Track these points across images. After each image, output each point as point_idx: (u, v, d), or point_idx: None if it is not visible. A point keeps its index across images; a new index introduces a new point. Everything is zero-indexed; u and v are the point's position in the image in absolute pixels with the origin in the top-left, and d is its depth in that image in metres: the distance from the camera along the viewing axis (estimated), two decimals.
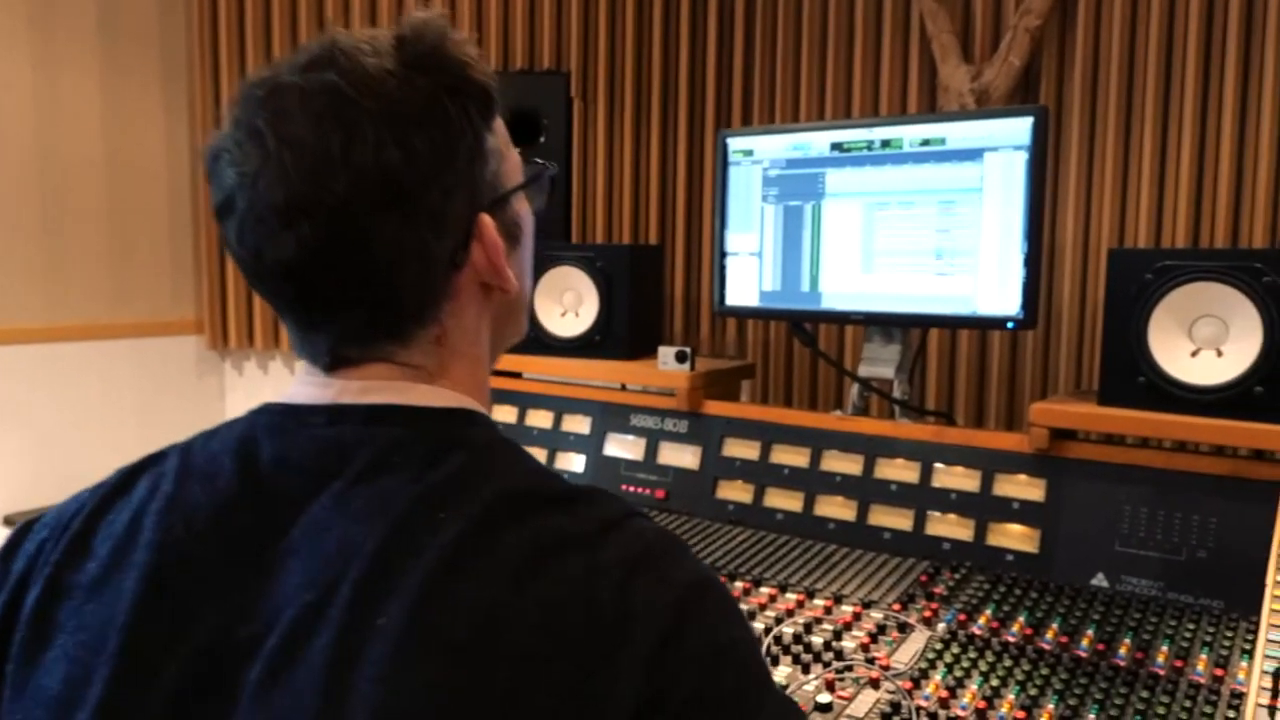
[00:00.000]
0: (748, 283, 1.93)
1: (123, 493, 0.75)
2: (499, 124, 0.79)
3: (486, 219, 0.76)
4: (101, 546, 0.72)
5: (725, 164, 1.93)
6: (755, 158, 1.89)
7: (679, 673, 0.63)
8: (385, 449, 0.70)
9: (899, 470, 1.68)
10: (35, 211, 2.78)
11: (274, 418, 0.75)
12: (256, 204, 0.69)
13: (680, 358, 1.93)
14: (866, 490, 1.69)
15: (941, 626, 1.36)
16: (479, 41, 2.80)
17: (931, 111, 2.37)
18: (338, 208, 0.68)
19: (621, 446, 1.98)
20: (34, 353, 2.79)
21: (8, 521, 2.64)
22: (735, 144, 1.92)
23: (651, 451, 1.94)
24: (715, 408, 1.91)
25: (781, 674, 1.26)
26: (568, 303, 2.13)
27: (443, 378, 0.77)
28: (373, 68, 0.70)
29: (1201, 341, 1.45)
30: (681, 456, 1.91)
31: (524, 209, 0.84)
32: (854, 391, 1.90)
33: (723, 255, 1.95)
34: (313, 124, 0.68)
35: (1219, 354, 1.44)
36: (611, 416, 2.00)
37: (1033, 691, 1.18)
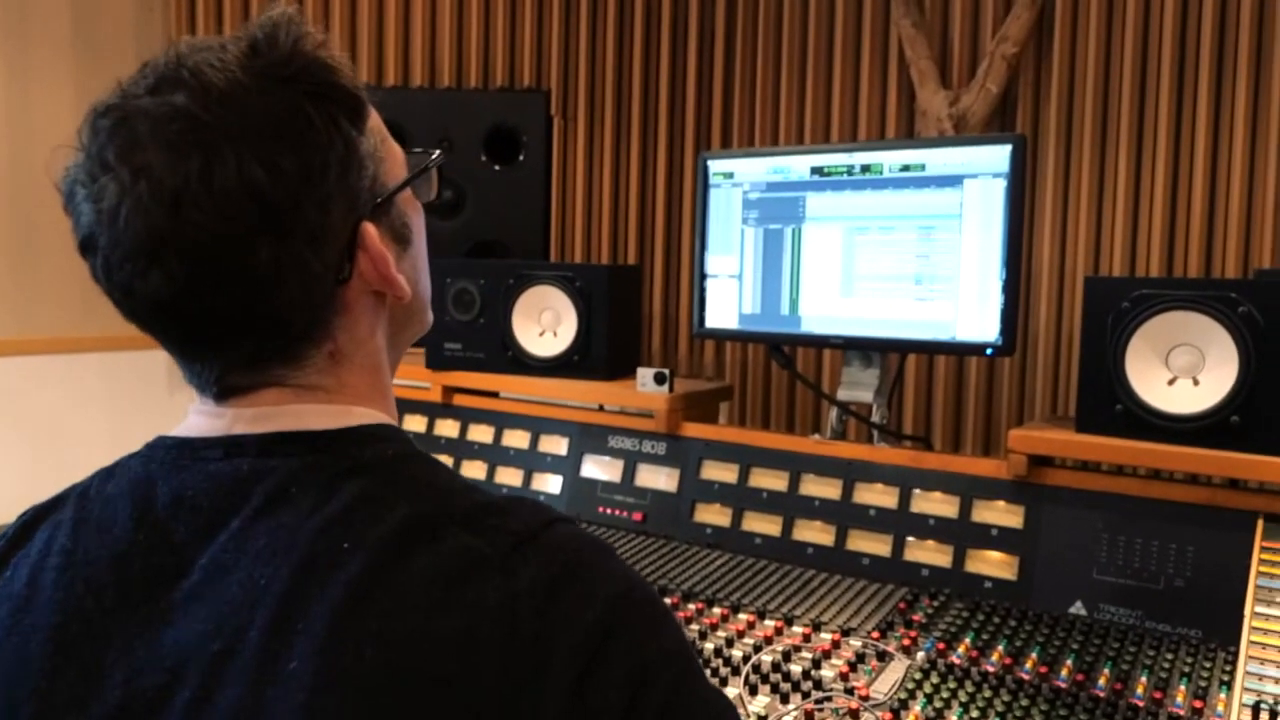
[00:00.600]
0: (727, 305, 1.92)
1: (19, 547, 0.73)
2: (373, 123, 0.75)
3: (369, 227, 0.72)
4: (1, 608, 0.70)
5: (706, 186, 1.93)
6: (736, 180, 1.89)
7: (608, 692, 0.61)
8: (283, 481, 0.67)
9: (877, 495, 1.67)
10: (3, 223, 2.73)
11: (169, 453, 0.72)
12: (120, 242, 0.65)
13: (659, 379, 1.92)
14: (845, 515, 1.68)
15: (921, 655, 1.35)
16: (459, 58, 2.80)
17: (910, 135, 2.39)
18: (204, 239, 0.64)
19: (599, 468, 1.96)
20: (2, 366, 2.74)
21: None
22: (716, 166, 1.92)
23: (629, 473, 1.93)
24: (694, 430, 1.90)
25: (760, 704, 1.25)
26: (546, 322, 2.12)
27: (340, 393, 0.74)
28: (224, 83, 0.66)
29: (1178, 370, 1.46)
30: (660, 479, 1.90)
31: (412, 206, 0.80)
32: (833, 415, 1.90)
33: (703, 277, 1.95)
34: (167, 152, 0.64)
35: (1195, 383, 1.45)
36: (589, 438, 1.99)
37: None
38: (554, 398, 2.10)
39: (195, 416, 0.73)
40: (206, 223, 0.64)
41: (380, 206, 0.74)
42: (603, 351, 2.06)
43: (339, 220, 0.70)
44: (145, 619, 0.65)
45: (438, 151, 0.83)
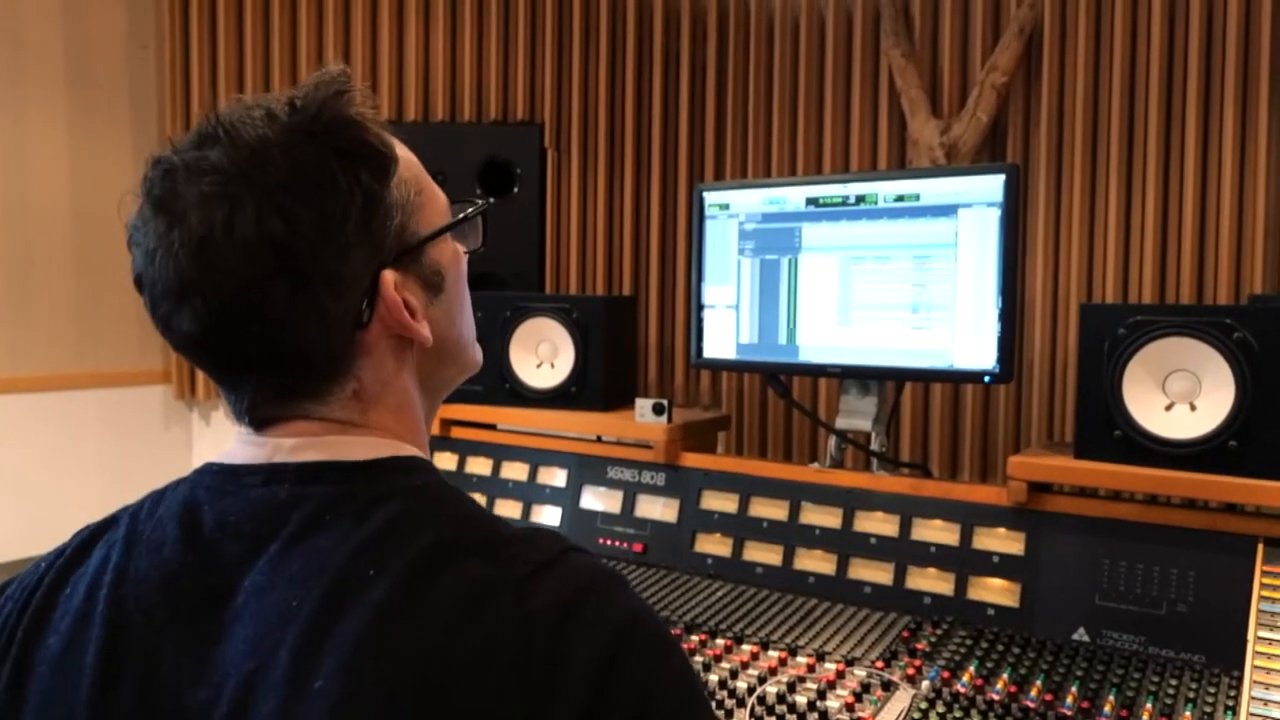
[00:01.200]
0: (725, 335, 1.93)
1: (77, 564, 0.77)
2: (406, 174, 0.78)
3: (387, 275, 0.75)
4: (61, 622, 0.73)
5: (701, 217, 1.94)
6: (731, 211, 1.91)
7: (613, 716, 0.64)
8: (318, 508, 0.71)
9: (878, 523, 1.68)
10: (0, 260, 2.73)
11: (214, 479, 0.76)
12: (158, 281, 0.72)
13: (657, 410, 1.93)
14: (846, 543, 1.68)
15: (925, 685, 1.35)
16: (452, 92, 2.81)
17: (901, 165, 2.41)
18: (226, 283, 0.69)
19: (598, 499, 1.96)
20: None
21: None
22: (711, 198, 1.94)
23: (629, 504, 1.93)
24: (693, 460, 1.90)
25: None
26: (543, 354, 2.12)
27: (369, 428, 0.77)
28: (254, 139, 0.71)
29: (1175, 396, 1.47)
30: (659, 509, 1.90)
31: (447, 253, 0.83)
32: (831, 443, 1.90)
33: (700, 308, 1.96)
34: (198, 203, 0.69)
35: (1193, 408, 1.46)
36: (588, 469, 1.99)
37: None
38: (552, 429, 2.10)
39: (239, 445, 0.77)
40: (228, 268, 0.69)
41: (405, 254, 0.77)
42: (600, 382, 2.06)
43: (359, 267, 0.73)
44: (196, 637, 0.68)
45: (480, 201, 0.86)
